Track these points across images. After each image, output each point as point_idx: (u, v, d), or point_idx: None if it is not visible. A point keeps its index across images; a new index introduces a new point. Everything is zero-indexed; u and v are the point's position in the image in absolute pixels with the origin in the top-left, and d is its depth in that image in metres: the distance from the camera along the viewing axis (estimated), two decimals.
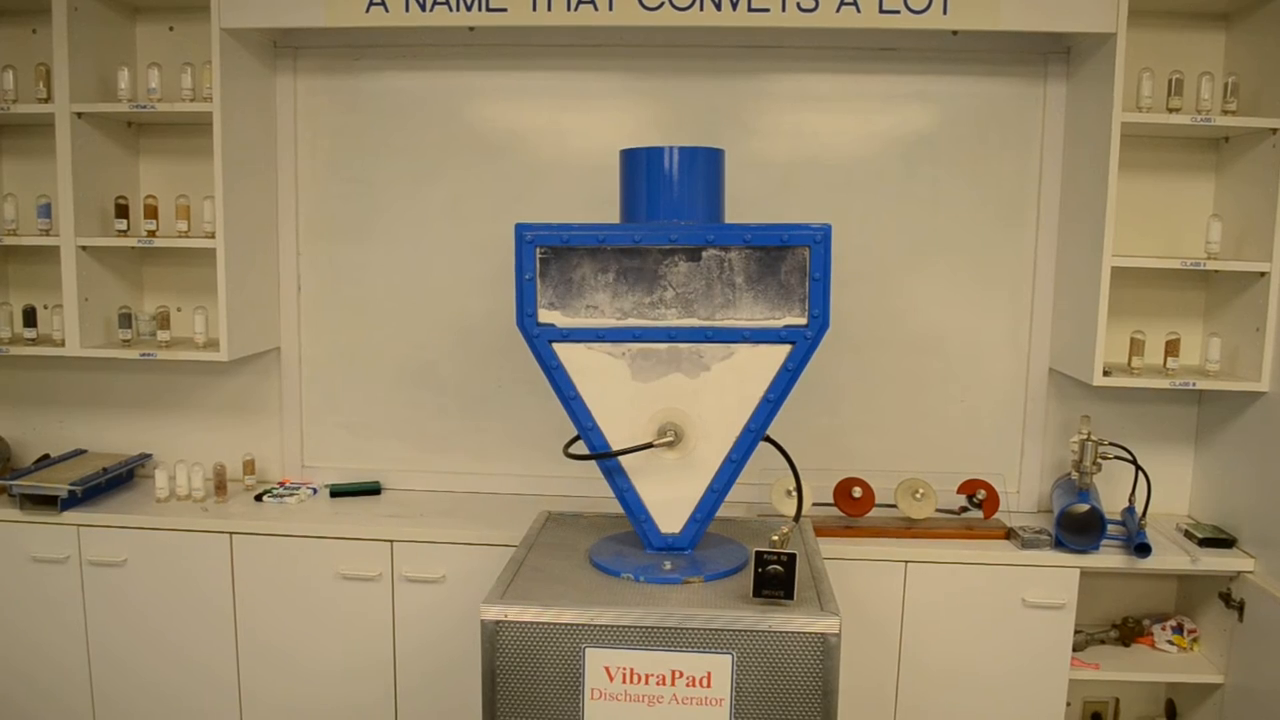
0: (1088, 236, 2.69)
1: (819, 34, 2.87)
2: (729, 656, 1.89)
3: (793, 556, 1.93)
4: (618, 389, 2.13)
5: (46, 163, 2.89)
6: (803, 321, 2.08)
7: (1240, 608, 2.64)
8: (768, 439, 2.23)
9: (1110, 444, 2.75)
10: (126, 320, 2.95)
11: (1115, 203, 2.58)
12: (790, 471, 2.32)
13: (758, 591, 1.94)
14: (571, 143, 2.99)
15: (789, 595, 1.93)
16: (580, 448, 2.20)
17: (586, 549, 2.28)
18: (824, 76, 2.91)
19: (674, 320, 2.10)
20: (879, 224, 2.95)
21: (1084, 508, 2.65)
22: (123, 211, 2.89)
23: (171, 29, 3.01)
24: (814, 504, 2.83)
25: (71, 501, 2.85)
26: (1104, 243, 2.59)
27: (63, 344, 2.88)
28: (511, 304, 2.20)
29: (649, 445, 2.12)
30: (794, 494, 2.74)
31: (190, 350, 2.90)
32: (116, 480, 3.05)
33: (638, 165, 2.17)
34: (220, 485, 2.97)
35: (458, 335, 3.08)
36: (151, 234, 2.89)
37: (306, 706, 2.80)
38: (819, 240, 2.05)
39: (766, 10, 2.64)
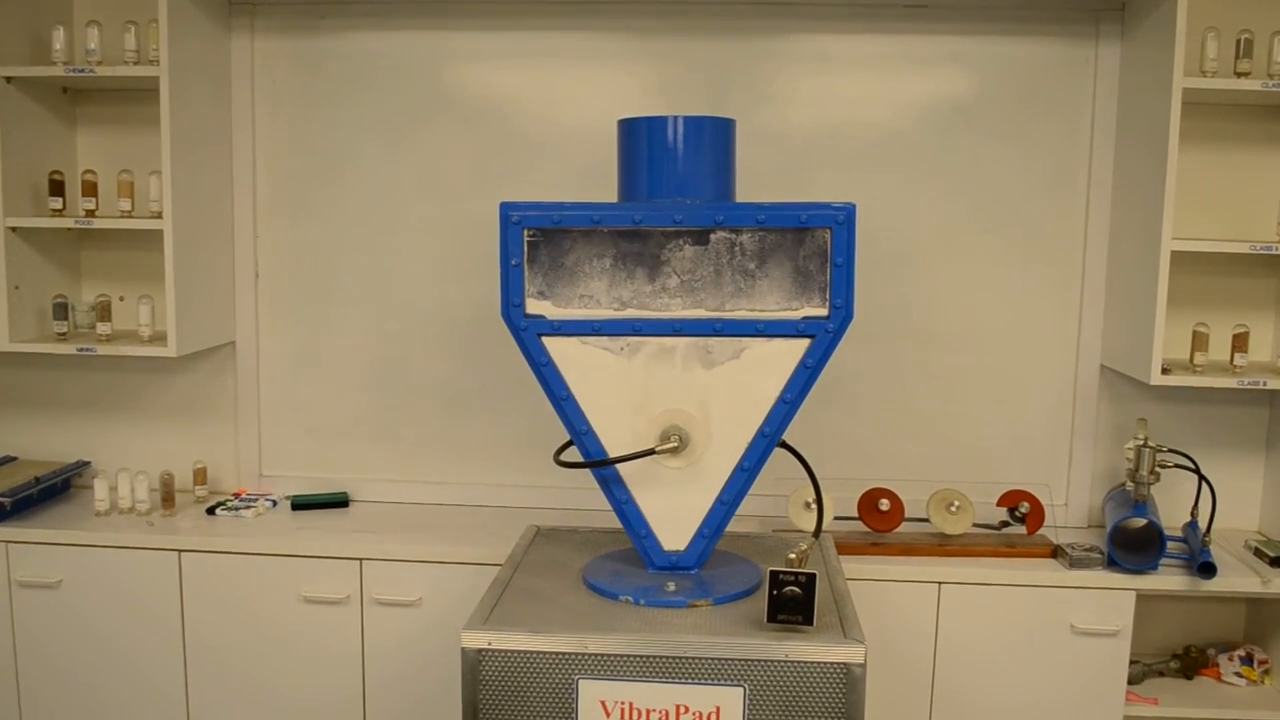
0: (1145, 217, 2.70)
1: None
2: (740, 689, 1.89)
3: (812, 577, 1.93)
4: (615, 388, 2.14)
5: None
6: (823, 312, 2.09)
7: None
8: (784, 445, 2.23)
9: (1170, 451, 2.75)
10: (62, 311, 2.96)
11: (1175, 179, 2.58)
12: (809, 481, 2.32)
13: (773, 616, 1.94)
14: (563, 111, 2.99)
15: (808, 620, 1.93)
16: (573, 455, 2.21)
17: (580, 568, 2.29)
18: (848, 37, 2.92)
19: (679, 311, 2.10)
20: (910, 203, 2.95)
21: (1140, 522, 2.66)
22: (57, 189, 2.90)
23: None
24: (836, 518, 2.84)
25: None
26: (1163, 224, 2.59)
27: None
28: (495, 293, 2.20)
29: (650, 452, 2.12)
30: (813, 506, 2.74)
31: (134, 345, 2.91)
32: (50, 491, 3.05)
33: (638, 137, 2.18)
34: (168, 497, 2.98)
35: (436, 328, 3.09)
36: (90, 214, 2.90)
37: None
38: (842, 221, 2.06)
39: None
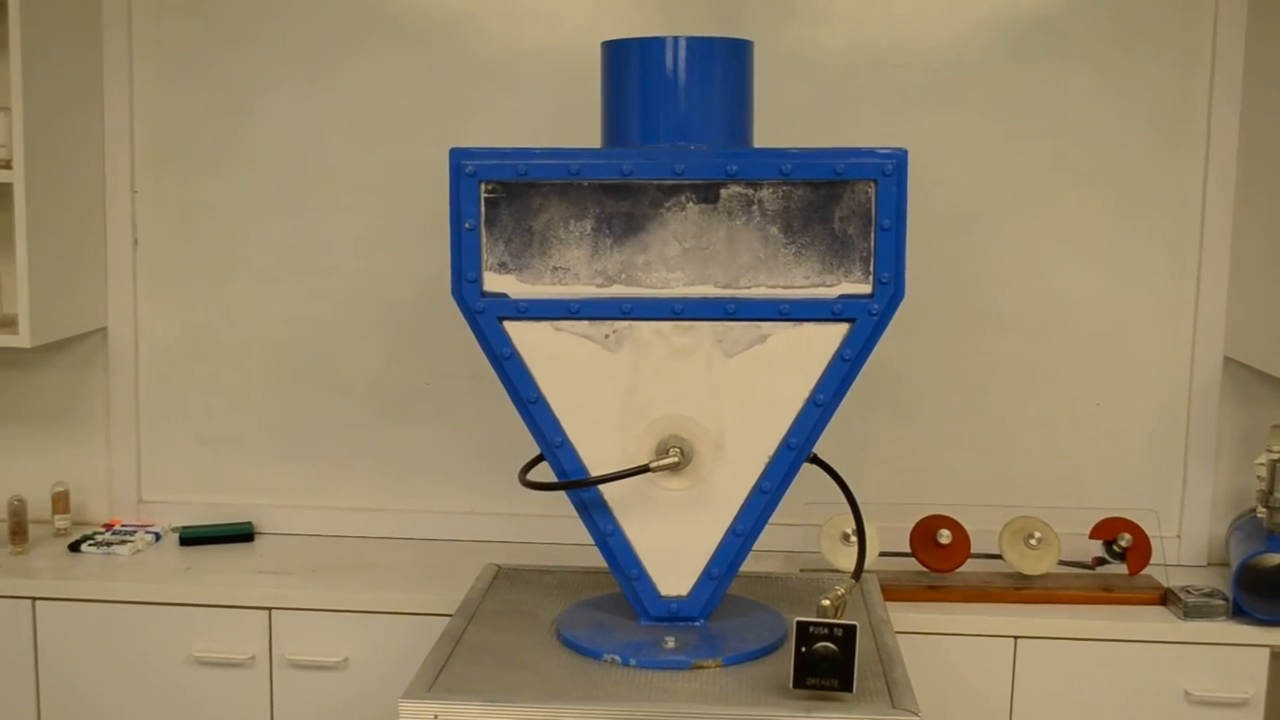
0: None
1: None
2: None
3: (852, 630, 1.94)
4: (598, 388, 2.14)
5: None
6: (866, 290, 2.09)
7: None
8: (815, 460, 2.24)
9: None
10: None
11: None
12: (848, 507, 2.33)
13: (801, 680, 1.95)
14: (532, 31, 2.99)
15: (846, 686, 1.94)
16: (544, 473, 2.22)
17: (553, 619, 2.29)
18: None
19: (680, 289, 2.11)
20: (976, 149, 2.96)
21: (1276, 559, 2.66)
22: None
23: None
24: (882, 554, 2.84)
25: None
26: None
27: None
28: (444, 265, 2.20)
29: (644, 469, 2.13)
30: (853, 539, 2.75)
31: None
32: None
33: (627, 64, 2.18)
34: (19, 529, 2.98)
35: (367, 310, 3.09)
36: None
37: None
38: (890, 172, 2.06)
39: None
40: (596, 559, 2.30)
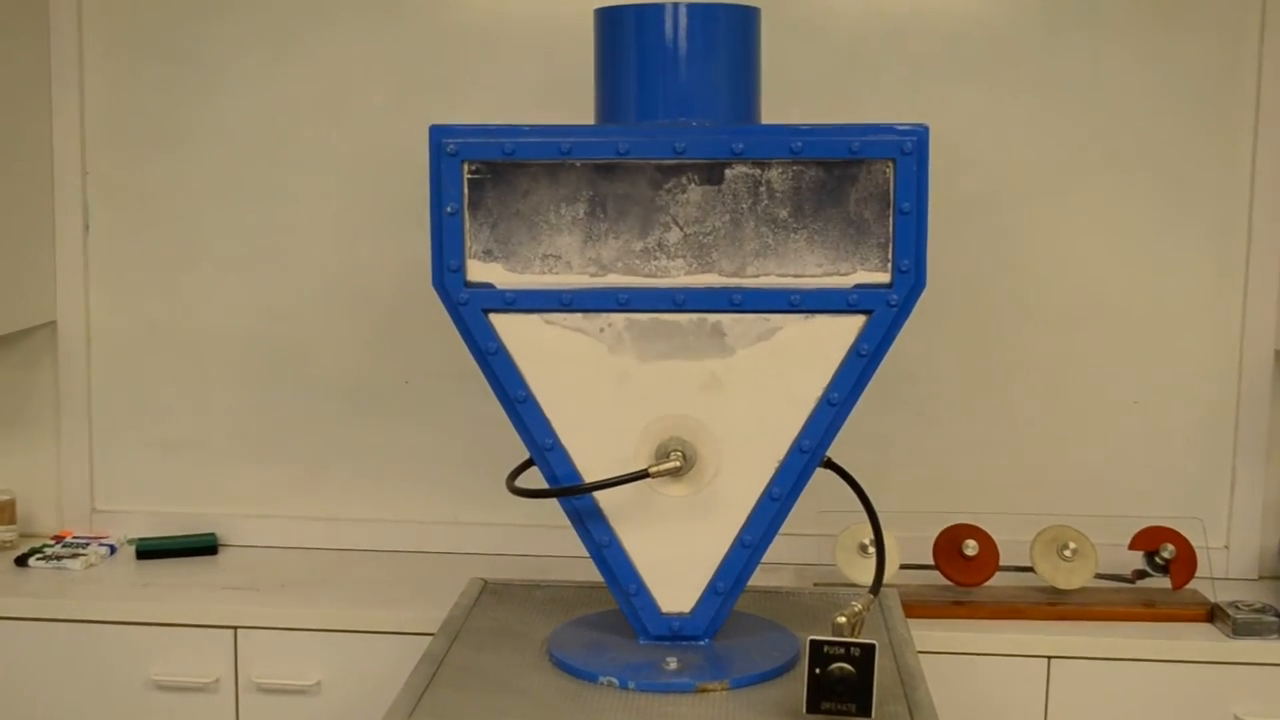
0: None
1: None
2: None
3: (870, 649, 1.94)
4: (593, 386, 2.14)
5: None
6: (884, 279, 2.09)
7: None
8: (830, 464, 2.24)
9: None
10: None
11: None
12: (865, 516, 2.32)
13: (814, 705, 1.95)
14: None
15: (864, 711, 1.93)
16: (535, 479, 2.21)
17: (544, 639, 2.29)
18: None
19: (681, 278, 2.10)
20: (1003, 126, 2.97)
21: None
22: None
23: None
24: (903, 566, 2.84)
25: None
26: None
27: None
28: (424, 252, 2.20)
29: (643, 474, 2.12)
30: (871, 551, 2.75)
31: None
32: None
33: (623, 33, 2.17)
34: None
35: (341, 302, 3.09)
36: None
37: None
38: (910, 150, 2.05)
39: None
40: (591, 573, 2.30)
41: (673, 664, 2.13)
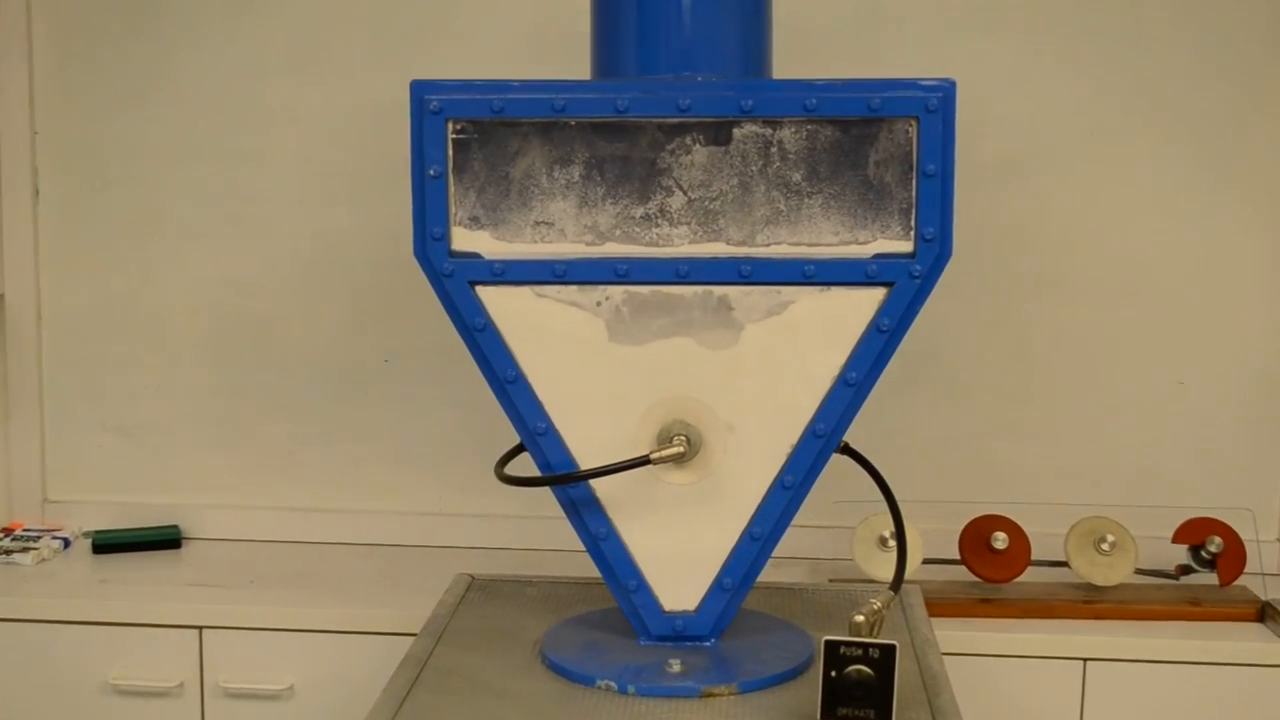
0: None
1: None
2: None
3: (890, 650, 1.95)
4: (589, 364, 2.14)
5: None
6: (906, 248, 2.09)
7: None
8: (847, 450, 2.25)
9: None
10: None
11: None
12: (885, 506, 2.33)
13: (830, 709, 1.96)
14: None
15: (883, 716, 1.94)
16: (526, 466, 2.22)
17: (536, 639, 2.30)
18: None
19: (685, 247, 2.11)
20: (1034, 83, 2.97)
21: None
22: None
23: None
24: (926, 560, 2.85)
25: None
26: None
27: None
28: (405, 219, 2.20)
29: (643, 461, 2.13)
30: (892, 544, 2.76)
31: None
32: None
33: None
34: None
35: (316, 274, 3.10)
36: None
37: None
38: (934, 108, 2.06)
39: None
40: (587, 568, 2.31)
41: (676, 666, 2.13)
